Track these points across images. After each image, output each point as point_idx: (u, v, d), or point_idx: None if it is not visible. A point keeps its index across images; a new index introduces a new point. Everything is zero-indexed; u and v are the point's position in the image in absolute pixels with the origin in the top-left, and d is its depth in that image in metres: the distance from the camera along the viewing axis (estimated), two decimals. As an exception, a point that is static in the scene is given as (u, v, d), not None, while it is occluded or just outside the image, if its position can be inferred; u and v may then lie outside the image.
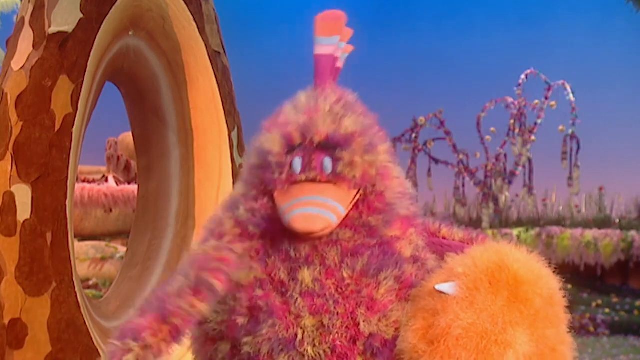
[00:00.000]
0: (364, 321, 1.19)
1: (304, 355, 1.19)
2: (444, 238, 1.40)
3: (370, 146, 1.28)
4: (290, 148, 1.27)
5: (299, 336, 1.19)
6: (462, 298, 1.19)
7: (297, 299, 1.21)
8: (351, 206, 1.26)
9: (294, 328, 1.19)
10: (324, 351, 1.19)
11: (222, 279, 1.21)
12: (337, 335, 1.19)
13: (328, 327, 1.19)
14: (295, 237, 1.24)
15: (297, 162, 1.26)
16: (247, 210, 1.30)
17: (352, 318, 1.20)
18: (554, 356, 1.21)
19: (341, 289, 1.21)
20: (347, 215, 1.26)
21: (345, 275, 1.22)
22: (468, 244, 1.37)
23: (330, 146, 1.26)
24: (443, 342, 1.16)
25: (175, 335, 1.17)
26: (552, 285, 1.25)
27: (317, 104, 1.29)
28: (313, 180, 1.25)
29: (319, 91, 1.32)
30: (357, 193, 1.27)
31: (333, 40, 1.37)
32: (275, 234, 1.26)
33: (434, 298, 1.21)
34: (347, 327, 1.19)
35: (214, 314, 1.27)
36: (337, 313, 1.20)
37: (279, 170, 1.26)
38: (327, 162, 1.25)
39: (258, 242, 1.27)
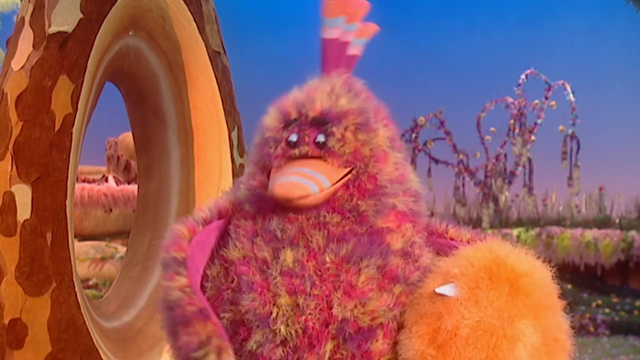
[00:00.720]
0: (338, 305, 1.20)
1: (276, 334, 1.20)
2: (451, 239, 1.39)
3: (365, 125, 1.30)
4: (287, 123, 1.29)
5: (274, 314, 1.20)
6: (465, 298, 1.19)
7: (276, 277, 1.21)
8: (340, 184, 1.27)
9: (270, 306, 1.20)
10: (296, 331, 1.19)
11: (180, 246, 1.23)
12: (309, 316, 1.19)
13: (302, 307, 1.19)
14: (284, 218, 1.26)
15: (293, 138, 1.28)
16: (246, 189, 1.34)
17: (326, 301, 1.20)
18: (557, 345, 1.22)
19: (320, 271, 1.22)
20: (336, 197, 1.27)
21: (327, 259, 1.23)
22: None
23: (323, 122, 1.28)
24: (452, 344, 1.16)
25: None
26: (547, 275, 1.27)
27: (320, 85, 1.32)
28: (305, 156, 1.27)
29: (325, 76, 1.34)
30: (349, 173, 1.28)
31: (337, 21, 1.34)
32: (266, 214, 1.28)
33: (435, 302, 1.20)
34: (320, 309, 1.20)
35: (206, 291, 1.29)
36: (313, 294, 1.20)
37: (275, 145, 1.29)
38: (320, 138, 1.27)
39: (250, 222, 1.29)
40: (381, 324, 1.22)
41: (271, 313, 1.20)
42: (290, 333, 1.19)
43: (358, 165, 1.28)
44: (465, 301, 1.19)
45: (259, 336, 1.20)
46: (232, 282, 1.26)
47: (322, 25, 1.33)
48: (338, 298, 1.20)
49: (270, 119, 1.32)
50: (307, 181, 1.23)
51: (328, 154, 1.27)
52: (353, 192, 1.28)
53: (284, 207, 1.26)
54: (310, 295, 1.20)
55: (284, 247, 1.24)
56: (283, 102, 1.33)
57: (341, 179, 1.27)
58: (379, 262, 1.23)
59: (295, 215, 1.26)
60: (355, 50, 1.39)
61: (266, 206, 1.29)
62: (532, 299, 1.21)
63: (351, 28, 1.36)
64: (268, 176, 1.30)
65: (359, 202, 1.27)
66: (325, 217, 1.25)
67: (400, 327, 1.24)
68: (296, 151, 1.27)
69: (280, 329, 1.19)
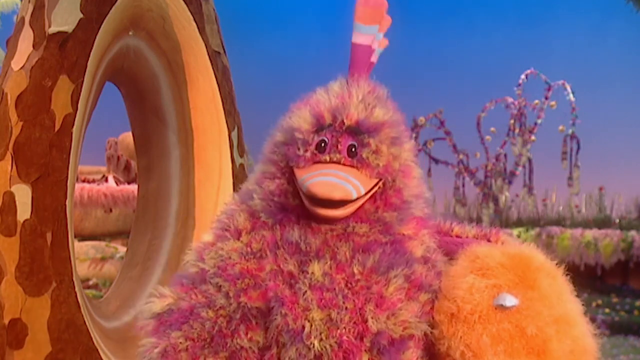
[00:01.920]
0: (372, 318, 1.18)
1: (310, 349, 1.18)
2: (457, 236, 1.38)
3: (397, 140, 1.29)
4: (319, 127, 1.27)
5: (307, 329, 1.18)
6: (528, 298, 1.18)
7: (305, 291, 1.20)
8: (370, 194, 1.26)
9: (301, 320, 1.18)
10: (330, 345, 1.18)
11: (258, 296, 1.23)
12: (344, 330, 1.18)
13: (336, 321, 1.18)
14: (307, 229, 1.24)
15: (323, 143, 1.26)
16: (262, 199, 1.30)
17: (360, 314, 1.19)
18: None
19: (351, 284, 1.20)
20: (363, 209, 1.26)
21: (355, 270, 1.21)
22: (482, 239, 1.36)
23: (358, 132, 1.25)
24: (546, 346, 1.15)
25: None
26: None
27: (350, 91, 1.29)
28: (337, 163, 1.25)
29: (352, 81, 1.32)
30: (377, 184, 1.26)
31: (372, 29, 1.33)
32: (286, 225, 1.26)
33: (505, 318, 1.18)
34: (355, 322, 1.18)
35: (215, 310, 1.27)
36: (346, 308, 1.19)
37: (304, 148, 1.26)
38: (353, 146, 1.25)
39: (269, 232, 1.27)
40: (412, 334, 1.20)
41: (304, 328, 1.18)
42: (325, 348, 1.18)
43: (386, 178, 1.27)
44: (530, 301, 1.18)
45: (293, 352, 1.19)
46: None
47: (355, 30, 1.32)
48: (371, 310, 1.19)
49: (302, 120, 1.28)
50: (345, 183, 1.21)
51: (361, 164, 1.25)
52: (379, 205, 1.27)
53: (306, 217, 1.24)
54: (343, 308, 1.18)
55: (310, 260, 1.22)
56: (316, 105, 1.29)
57: (371, 189, 1.26)
58: (405, 272, 1.22)
59: (319, 225, 1.24)
60: (375, 59, 1.39)
61: (286, 215, 1.27)
62: (563, 277, 1.25)
63: (379, 37, 1.36)
64: (287, 180, 1.28)
65: (385, 214, 1.27)
66: (354, 227, 1.24)
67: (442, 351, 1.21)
68: (327, 157, 1.25)
69: (314, 343, 1.17)
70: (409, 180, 1.31)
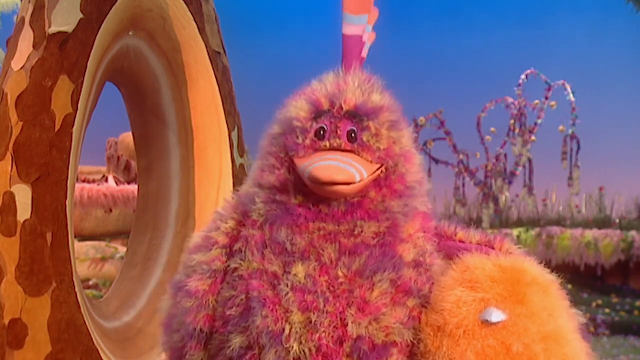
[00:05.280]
0: (352, 322, 1.16)
1: (289, 352, 1.16)
2: (460, 241, 1.35)
3: (396, 123, 1.28)
4: (317, 114, 1.25)
5: (286, 331, 1.16)
6: (515, 314, 1.15)
7: (287, 292, 1.18)
8: (374, 176, 1.24)
9: (282, 322, 1.17)
10: (309, 349, 1.16)
11: (202, 318, 1.26)
12: (323, 334, 1.16)
13: (315, 324, 1.16)
14: (294, 228, 1.22)
15: (322, 129, 1.24)
16: (264, 202, 1.28)
17: (340, 318, 1.17)
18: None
19: (333, 287, 1.18)
20: (369, 198, 1.24)
21: (339, 273, 1.19)
22: (486, 246, 1.33)
23: (357, 116, 1.24)
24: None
25: None
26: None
27: (346, 79, 1.28)
28: (337, 148, 1.24)
29: (346, 71, 1.31)
30: (379, 169, 1.25)
31: (362, 19, 1.31)
32: (276, 225, 1.25)
33: (490, 333, 1.14)
34: (334, 326, 1.17)
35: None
36: (327, 311, 1.17)
37: (303, 136, 1.24)
38: (353, 131, 1.24)
39: (258, 231, 1.26)
40: (395, 341, 1.18)
41: (284, 330, 1.17)
42: (303, 351, 1.16)
43: (388, 163, 1.25)
44: (520, 318, 1.15)
45: (272, 355, 1.17)
46: (241, 298, 1.22)
47: (344, 20, 1.30)
48: (352, 315, 1.17)
49: (298, 108, 1.27)
50: (347, 166, 1.19)
51: (362, 148, 1.23)
52: (385, 193, 1.25)
53: (298, 216, 1.22)
54: (323, 312, 1.17)
55: (294, 261, 1.20)
56: (312, 93, 1.28)
57: (374, 172, 1.24)
58: (392, 276, 1.20)
59: (307, 225, 1.22)
60: (364, 52, 1.37)
61: (277, 217, 1.25)
62: (557, 290, 1.23)
63: (368, 30, 1.35)
64: (288, 170, 1.26)
65: (392, 203, 1.25)
66: (362, 227, 1.22)
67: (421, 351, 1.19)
68: (326, 143, 1.24)
69: (293, 346, 1.16)
70: (410, 165, 1.29)
